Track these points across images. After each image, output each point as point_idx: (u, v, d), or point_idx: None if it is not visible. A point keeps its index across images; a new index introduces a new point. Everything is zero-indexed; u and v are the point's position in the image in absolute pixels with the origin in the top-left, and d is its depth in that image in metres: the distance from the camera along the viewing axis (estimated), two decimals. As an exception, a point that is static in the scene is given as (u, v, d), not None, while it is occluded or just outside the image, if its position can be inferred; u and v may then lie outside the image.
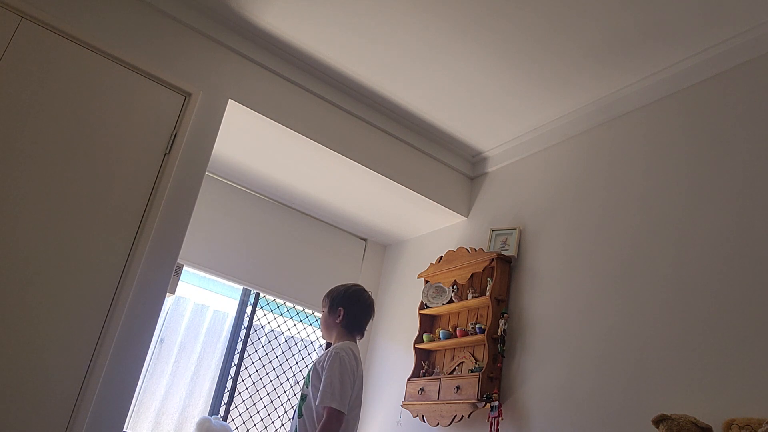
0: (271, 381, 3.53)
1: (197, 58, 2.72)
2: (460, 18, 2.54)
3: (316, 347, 3.76)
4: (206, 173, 2.69)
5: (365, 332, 2.28)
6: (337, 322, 2.21)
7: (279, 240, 3.64)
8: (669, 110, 2.59)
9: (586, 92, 2.84)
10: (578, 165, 2.91)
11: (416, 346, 3.20)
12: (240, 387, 3.40)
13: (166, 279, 2.39)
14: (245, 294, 3.56)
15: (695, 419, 1.83)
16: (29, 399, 2.00)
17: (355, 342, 2.21)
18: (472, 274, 3.08)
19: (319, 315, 3.79)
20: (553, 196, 2.97)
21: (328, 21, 2.70)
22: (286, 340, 3.68)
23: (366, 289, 2.34)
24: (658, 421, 1.88)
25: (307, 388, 2.08)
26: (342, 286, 2.33)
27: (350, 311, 2.23)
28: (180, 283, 3.07)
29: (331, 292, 2.30)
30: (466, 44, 2.68)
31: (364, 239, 4.02)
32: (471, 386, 2.71)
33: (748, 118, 2.27)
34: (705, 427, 1.80)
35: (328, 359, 2.05)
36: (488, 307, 2.89)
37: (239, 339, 3.45)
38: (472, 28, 2.58)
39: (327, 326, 2.25)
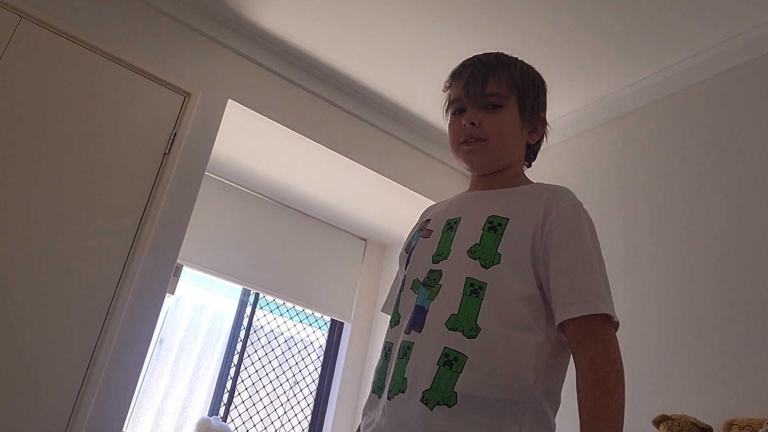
0: (270, 381, 3.52)
1: (197, 58, 2.72)
2: (460, 18, 2.54)
3: (315, 347, 3.76)
4: (206, 173, 2.68)
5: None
6: (530, 142, 1.20)
7: (279, 240, 3.64)
8: (669, 110, 2.59)
9: (586, 92, 2.84)
10: (578, 165, 2.91)
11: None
12: (240, 387, 3.39)
13: (165, 279, 2.39)
14: (245, 294, 3.55)
15: (695, 420, 1.82)
16: (29, 399, 2.00)
17: None
18: (472, 275, 3.06)
19: (320, 315, 3.81)
20: (553, 196, 2.96)
21: (328, 20, 2.70)
22: (285, 341, 3.67)
23: None
24: (658, 422, 1.87)
25: (484, 268, 1.02)
26: (525, 64, 1.27)
27: (546, 130, 1.23)
28: (179, 283, 3.06)
29: (511, 66, 1.23)
30: (466, 45, 2.68)
31: (364, 239, 4.02)
32: (471, 386, 2.69)
33: (749, 119, 2.27)
34: (705, 428, 1.80)
35: (567, 208, 1.06)
36: (488, 308, 2.87)
37: (239, 339, 3.45)
38: (472, 28, 2.58)
39: (507, 140, 1.15)
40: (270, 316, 3.65)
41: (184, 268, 3.14)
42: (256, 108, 2.82)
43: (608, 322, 0.97)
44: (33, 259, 2.11)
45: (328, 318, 3.80)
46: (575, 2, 2.35)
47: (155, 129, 2.50)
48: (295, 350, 3.68)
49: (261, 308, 3.61)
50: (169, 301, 3.14)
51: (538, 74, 1.24)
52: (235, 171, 3.42)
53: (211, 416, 3.11)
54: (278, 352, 3.62)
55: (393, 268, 3.91)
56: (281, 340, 3.66)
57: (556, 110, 3.01)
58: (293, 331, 3.73)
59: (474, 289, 1.00)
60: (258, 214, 3.59)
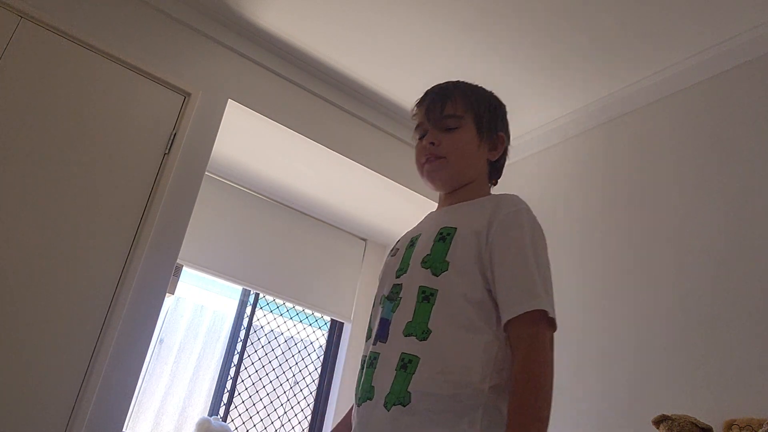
0: (270, 381, 3.52)
1: (197, 58, 2.72)
2: (460, 18, 2.54)
3: (315, 347, 3.76)
4: (206, 173, 2.68)
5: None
6: (491, 158, 1.25)
7: (279, 240, 3.64)
8: (669, 110, 2.59)
9: (586, 92, 2.84)
10: (578, 165, 2.91)
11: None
12: (240, 387, 3.39)
13: (165, 279, 2.39)
14: (245, 294, 3.55)
15: (695, 419, 1.82)
16: (29, 399, 2.00)
17: None
18: (472, 275, 3.06)
19: (320, 315, 3.81)
20: (553, 196, 2.96)
21: (328, 20, 2.70)
22: (285, 341, 3.67)
23: None
24: (658, 422, 1.87)
25: (435, 276, 1.09)
26: (483, 89, 1.29)
27: (507, 145, 1.28)
28: (179, 283, 3.06)
29: (467, 90, 1.25)
30: (466, 45, 2.68)
31: (364, 239, 4.02)
32: (471, 386, 2.70)
33: (749, 119, 2.27)
34: (705, 428, 1.80)
35: (509, 214, 1.11)
36: (488, 308, 2.88)
37: (239, 339, 3.45)
38: (472, 29, 2.58)
39: (465, 157, 1.22)
40: (270, 316, 3.65)
41: (184, 268, 3.14)
42: (256, 108, 2.82)
43: (542, 320, 1.06)
44: (33, 259, 2.11)
45: (328, 318, 3.80)
46: (575, 2, 2.35)
47: (155, 129, 2.50)
48: (295, 350, 3.68)
49: (261, 308, 3.61)
50: (169, 301, 3.14)
51: (496, 97, 1.31)
52: (235, 171, 3.42)
53: (211, 416, 3.11)
54: (278, 352, 3.62)
55: (393, 268, 3.91)
56: (281, 340, 3.66)
57: (556, 110, 3.01)
58: (293, 331, 3.73)
59: (426, 296, 1.07)
60: (258, 214, 3.59)
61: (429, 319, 1.05)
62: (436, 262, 1.10)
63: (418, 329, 1.05)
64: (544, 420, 1.00)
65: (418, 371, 1.00)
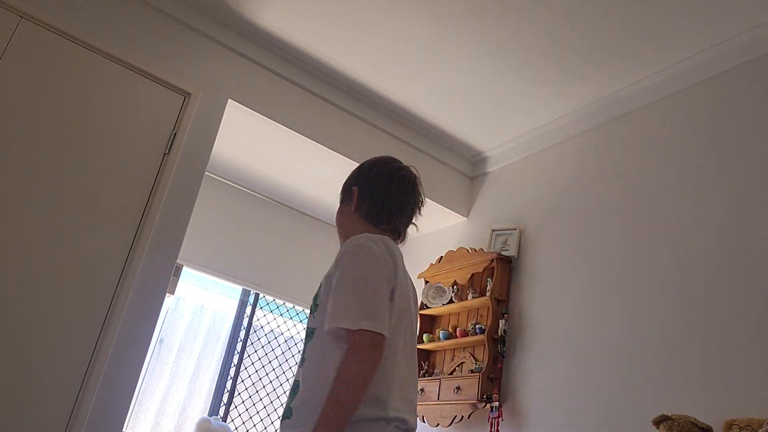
0: (270, 381, 3.52)
1: (197, 58, 2.72)
2: (460, 19, 2.54)
3: (315, 347, 3.75)
4: (206, 173, 2.68)
5: (405, 233, 1.46)
6: (353, 211, 1.44)
7: (279, 240, 3.64)
8: (669, 110, 2.59)
9: (587, 92, 2.84)
10: (579, 165, 2.91)
11: (416, 346, 3.19)
12: (239, 387, 3.39)
13: (165, 279, 2.39)
14: (245, 294, 3.55)
15: (696, 420, 1.82)
16: (29, 399, 2.00)
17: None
18: (472, 275, 3.07)
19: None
20: (553, 196, 2.96)
21: (328, 20, 2.70)
22: (285, 341, 3.67)
23: (399, 161, 1.53)
24: (658, 422, 1.87)
25: (314, 316, 1.32)
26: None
27: (371, 190, 1.44)
28: (179, 283, 3.06)
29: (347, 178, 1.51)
30: (466, 45, 2.68)
31: (364, 239, 4.01)
32: (471, 387, 2.70)
33: (749, 119, 2.27)
34: (705, 428, 1.80)
35: (344, 255, 1.30)
36: (488, 308, 2.89)
37: (239, 339, 3.45)
38: (472, 28, 2.58)
39: (342, 226, 1.48)
40: (270, 316, 3.65)
41: (184, 268, 3.15)
42: (256, 108, 2.82)
43: (355, 334, 1.17)
44: (33, 259, 2.11)
45: (328, 318, 3.80)
46: (574, 3, 2.35)
47: (155, 129, 2.50)
48: (295, 350, 3.68)
49: (261, 308, 3.61)
50: (169, 301, 3.14)
51: (366, 162, 1.52)
52: (235, 171, 3.42)
53: (211, 416, 3.11)
54: (278, 352, 3.62)
55: (393, 268, 3.91)
56: (281, 340, 3.66)
57: (556, 110, 3.01)
58: (293, 331, 3.73)
59: (308, 333, 1.32)
60: (258, 214, 3.59)
61: (306, 350, 1.30)
62: (313, 304, 1.34)
63: (301, 358, 1.30)
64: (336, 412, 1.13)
65: (299, 392, 1.24)
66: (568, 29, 2.49)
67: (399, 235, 1.45)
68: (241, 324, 3.49)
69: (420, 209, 1.50)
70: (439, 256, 3.32)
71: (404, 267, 1.38)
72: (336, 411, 1.11)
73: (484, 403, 2.65)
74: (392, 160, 1.52)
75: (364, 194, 1.44)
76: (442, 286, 3.23)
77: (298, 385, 1.26)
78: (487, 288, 2.91)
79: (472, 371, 2.80)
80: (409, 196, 1.47)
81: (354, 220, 1.44)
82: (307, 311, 3.79)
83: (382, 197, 1.43)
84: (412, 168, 1.52)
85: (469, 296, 3.02)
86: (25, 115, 2.22)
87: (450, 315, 3.21)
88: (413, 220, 1.50)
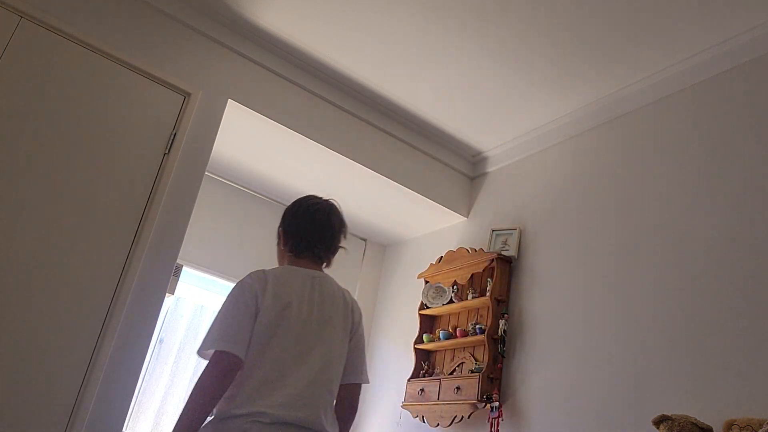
0: (270, 381, 3.52)
1: (197, 58, 2.72)
2: (460, 19, 2.54)
3: (315, 347, 3.75)
4: (206, 173, 2.68)
5: (328, 256, 1.70)
6: (282, 247, 1.70)
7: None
8: (669, 111, 2.59)
9: (587, 92, 2.84)
10: (579, 165, 2.91)
11: (416, 346, 3.20)
12: (240, 387, 3.39)
13: (165, 279, 2.39)
14: (245, 294, 3.55)
15: (696, 420, 1.82)
16: (29, 399, 2.00)
17: (308, 267, 1.66)
18: (473, 275, 3.07)
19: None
20: (553, 196, 2.96)
21: (328, 20, 2.70)
22: (285, 341, 3.66)
23: (318, 197, 1.75)
24: (658, 422, 1.87)
25: None
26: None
27: (293, 228, 1.68)
28: (179, 283, 3.06)
29: None
30: (466, 45, 2.68)
31: (364, 239, 4.02)
32: (471, 387, 2.70)
33: (749, 119, 2.27)
34: (705, 428, 1.80)
35: None
36: (488, 308, 2.89)
37: (239, 339, 3.44)
38: (472, 28, 2.58)
39: (278, 261, 1.77)
40: (270, 316, 3.64)
41: (184, 268, 3.14)
42: (256, 108, 2.82)
43: (209, 355, 1.42)
44: (33, 259, 2.11)
45: (328, 318, 3.80)
46: (574, 4, 2.35)
47: (155, 129, 2.50)
48: (295, 350, 3.68)
49: (261, 308, 3.60)
50: (169, 301, 3.14)
51: (288, 205, 1.74)
52: (235, 171, 3.42)
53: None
54: (278, 352, 3.61)
55: (393, 268, 3.92)
56: (281, 340, 3.65)
57: (556, 110, 3.01)
58: (293, 331, 3.72)
59: None
60: (258, 214, 3.59)
61: None
62: None
63: None
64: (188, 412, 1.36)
65: None
66: (568, 30, 2.49)
67: (321, 259, 1.69)
68: (241, 324, 3.48)
69: (344, 234, 1.73)
70: (439, 256, 3.32)
71: (301, 283, 1.61)
72: (182, 412, 1.36)
73: (484, 403, 2.65)
74: (310, 197, 1.74)
75: (287, 232, 1.69)
76: (442, 286, 3.23)
77: None
78: (487, 288, 2.91)
79: (472, 371, 2.80)
80: (325, 226, 1.68)
81: (283, 255, 1.72)
82: (307, 311, 3.81)
83: (300, 232, 1.67)
84: (330, 200, 1.73)
85: (469, 296, 3.02)
86: (25, 115, 2.22)
87: (450, 315, 3.21)
88: (340, 244, 1.72)
